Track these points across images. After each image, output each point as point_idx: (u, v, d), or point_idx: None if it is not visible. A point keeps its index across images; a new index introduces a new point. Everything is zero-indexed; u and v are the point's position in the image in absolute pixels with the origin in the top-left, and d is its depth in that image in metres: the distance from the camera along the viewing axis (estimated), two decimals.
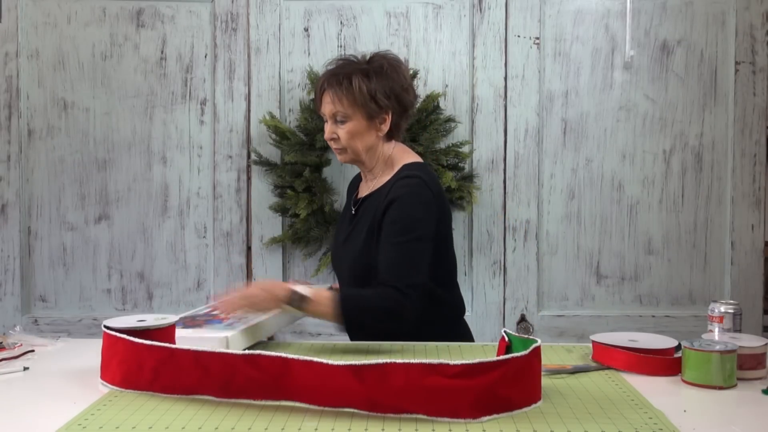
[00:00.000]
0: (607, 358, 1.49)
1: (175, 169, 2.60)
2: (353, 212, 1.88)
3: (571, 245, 2.61)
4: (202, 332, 1.53)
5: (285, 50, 2.58)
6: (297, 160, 2.47)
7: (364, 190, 1.90)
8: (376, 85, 1.76)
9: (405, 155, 1.86)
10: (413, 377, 1.15)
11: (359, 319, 1.66)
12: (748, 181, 2.58)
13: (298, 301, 1.62)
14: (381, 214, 1.74)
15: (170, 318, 1.47)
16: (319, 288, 1.73)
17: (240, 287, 1.66)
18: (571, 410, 1.22)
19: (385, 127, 1.80)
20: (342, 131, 1.78)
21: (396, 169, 1.82)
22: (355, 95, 1.75)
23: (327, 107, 1.79)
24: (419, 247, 1.70)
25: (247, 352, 1.23)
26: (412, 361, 1.16)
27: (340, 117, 1.78)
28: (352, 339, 1.77)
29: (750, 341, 1.43)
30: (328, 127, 1.81)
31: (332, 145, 1.83)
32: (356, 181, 2.03)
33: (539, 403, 1.24)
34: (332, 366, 1.17)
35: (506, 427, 1.14)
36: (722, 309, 1.52)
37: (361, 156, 1.82)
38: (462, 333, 1.92)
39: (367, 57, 1.84)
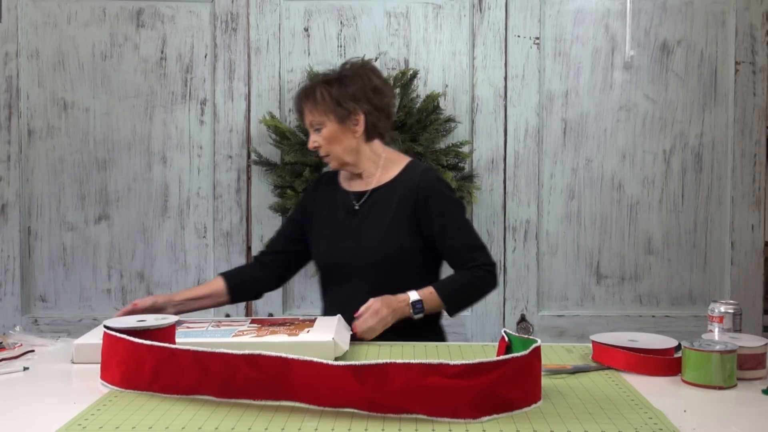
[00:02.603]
0: (607, 358, 1.49)
1: (175, 169, 2.60)
2: (356, 207, 1.94)
3: (571, 245, 2.61)
4: (304, 337, 1.54)
5: (285, 50, 2.58)
6: (297, 160, 2.47)
7: (360, 186, 1.97)
8: (338, 91, 1.91)
9: (400, 155, 2.02)
10: (413, 377, 1.15)
11: (467, 305, 1.95)
12: (748, 181, 2.58)
13: (419, 309, 1.80)
14: (422, 204, 1.88)
15: (170, 318, 1.47)
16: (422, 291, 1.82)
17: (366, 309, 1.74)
18: (571, 410, 1.22)
19: (360, 128, 1.92)
20: (320, 138, 1.93)
21: (402, 164, 1.96)
22: (320, 103, 1.90)
23: (306, 119, 1.96)
24: (472, 225, 1.99)
25: (247, 352, 1.23)
26: (412, 361, 1.16)
27: (316, 125, 1.93)
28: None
29: (750, 341, 1.43)
30: (311, 137, 1.96)
31: (319, 153, 1.96)
32: (326, 184, 2.06)
33: (539, 403, 1.24)
34: (332, 366, 1.17)
35: (506, 427, 1.14)
36: (722, 309, 1.52)
37: (344, 158, 1.94)
38: (441, 332, 2.00)
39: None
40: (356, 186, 1.98)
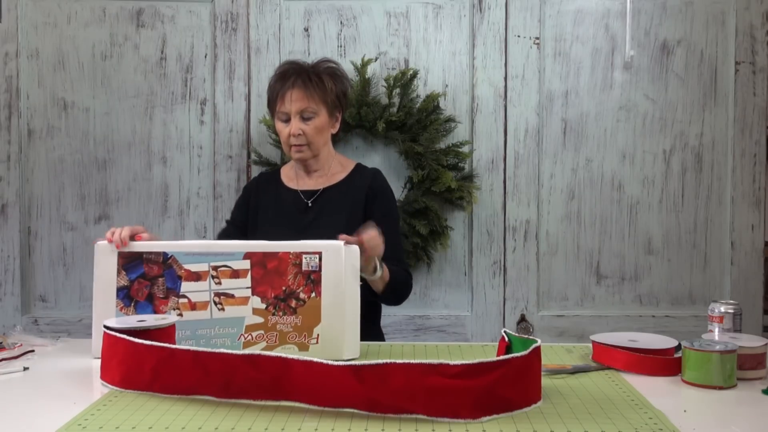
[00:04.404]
0: (607, 358, 1.49)
1: (175, 169, 2.60)
2: (309, 204, 1.98)
3: (571, 245, 2.61)
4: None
5: (285, 50, 2.58)
6: None
7: (309, 185, 2.01)
8: (339, 85, 1.95)
9: (347, 158, 2.10)
10: (413, 377, 1.15)
11: (394, 299, 1.91)
12: (748, 181, 2.58)
13: (379, 267, 1.75)
14: (371, 203, 1.95)
15: (170, 318, 1.48)
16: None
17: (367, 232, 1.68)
18: (571, 410, 1.22)
19: (338, 125, 1.99)
20: (309, 127, 1.90)
21: (350, 167, 2.03)
22: (327, 91, 1.90)
23: (295, 105, 1.88)
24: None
25: (246, 352, 1.23)
26: (412, 361, 1.16)
27: (309, 113, 1.89)
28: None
29: (750, 341, 1.43)
30: (295, 124, 1.89)
31: (295, 141, 1.91)
32: (266, 183, 2.08)
33: (539, 403, 1.24)
34: (332, 366, 1.18)
35: (506, 427, 1.14)
36: (722, 309, 1.53)
37: (320, 151, 1.96)
38: (381, 334, 2.04)
39: (312, 62, 2.00)
40: (305, 185, 2.02)
